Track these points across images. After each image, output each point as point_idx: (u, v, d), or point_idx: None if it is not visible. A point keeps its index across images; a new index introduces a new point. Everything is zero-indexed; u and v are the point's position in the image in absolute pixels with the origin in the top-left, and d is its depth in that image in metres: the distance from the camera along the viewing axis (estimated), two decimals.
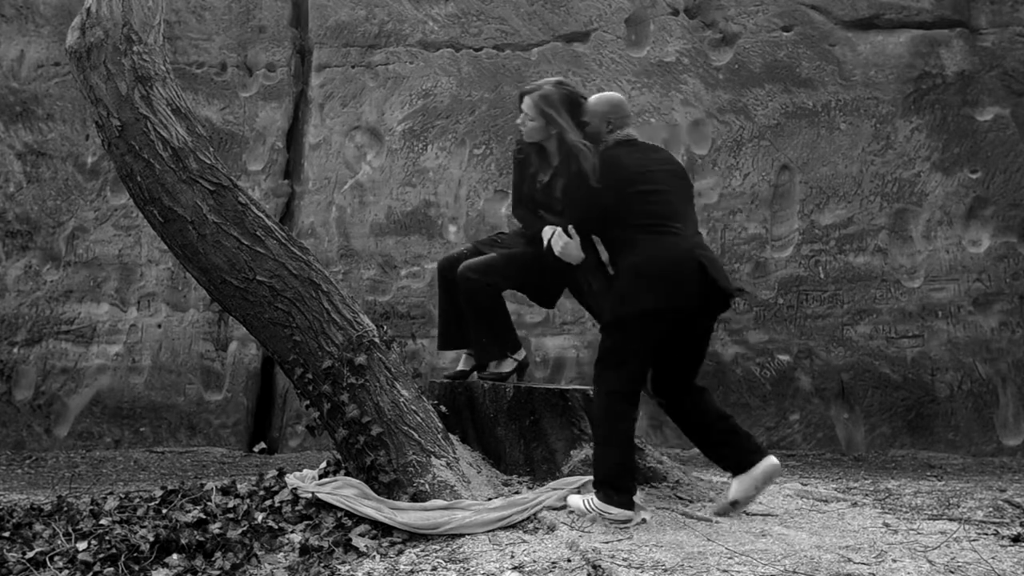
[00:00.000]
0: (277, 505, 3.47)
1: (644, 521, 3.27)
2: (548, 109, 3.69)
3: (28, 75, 6.96)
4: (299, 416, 6.50)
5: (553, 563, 2.89)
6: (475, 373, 3.97)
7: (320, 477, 3.66)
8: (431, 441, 3.50)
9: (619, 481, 3.26)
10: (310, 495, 3.46)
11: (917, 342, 6.32)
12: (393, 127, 6.94)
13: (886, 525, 3.38)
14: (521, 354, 3.93)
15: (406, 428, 3.48)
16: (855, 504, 3.78)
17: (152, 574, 3.00)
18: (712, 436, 3.41)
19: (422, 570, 2.96)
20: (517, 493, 3.47)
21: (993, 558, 2.92)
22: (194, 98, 6.80)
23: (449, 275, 3.87)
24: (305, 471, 3.83)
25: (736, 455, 3.37)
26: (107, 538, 3.21)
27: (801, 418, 6.38)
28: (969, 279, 6.32)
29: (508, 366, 3.88)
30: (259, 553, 3.15)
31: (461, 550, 3.09)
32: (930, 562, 2.88)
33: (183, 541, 3.14)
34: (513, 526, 3.25)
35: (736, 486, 3.37)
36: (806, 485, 4.23)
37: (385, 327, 3.80)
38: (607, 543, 3.04)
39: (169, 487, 3.76)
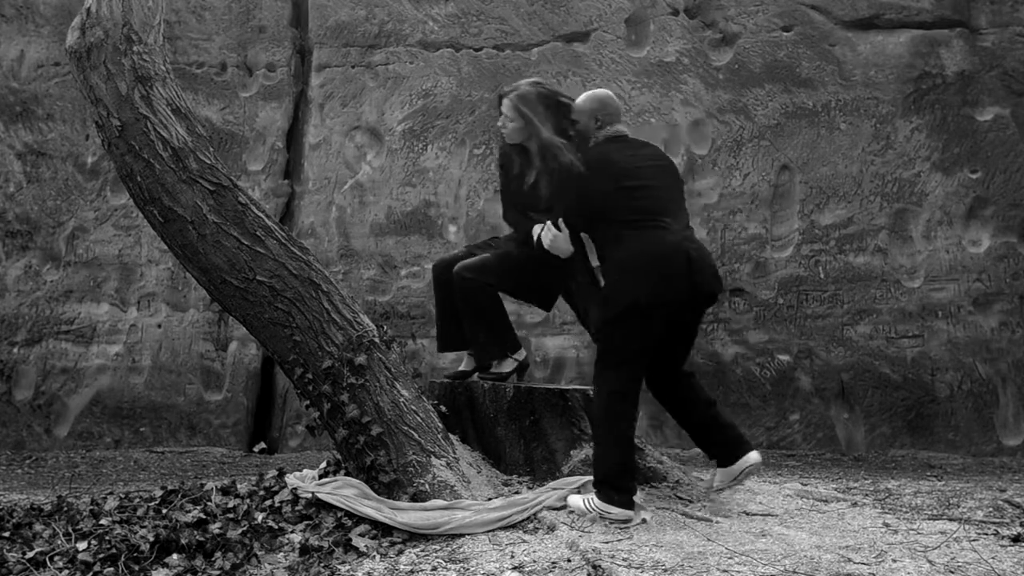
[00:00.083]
0: (277, 505, 3.47)
1: (644, 521, 3.28)
2: (525, 109, 3.74)
3: (28, 75, 6.96)
4: (299, 416, 6.50)
5: (553, 563, 2.89)
6: (476, 374, 3.97)
7: (320, 477, 3.66)
8: (431, 441, 3.50)
9: (619, 481, 3.26)
10: (310, 495, 3.46)
11: (917, 342, 6.32)
12: (393, 127, 6.94)
13: (886, 525, 3.38)
14: (521, 354, 3.93)
15: (406, 428, 3.48)
16: (855, 504, 3.78)
17: (152, 574, 3.00)
18: (698, 420, 3.55)
19: (422, 570, 2.96)
20: (517, 493, 3.47)
21: (993, 558, 2.92)
22: (194, 98, 6.80)
23: (445, 277, 3.87)
24: (305, 471, 3.83)
25: (722, 447, 3.52)
26: (107, 538, 3.21)
27: (801, 418, 6.39)
28: (969, 279, 6.32)
29: (508, 366, 3.88)
30: (259, 553, 3.15)
31: (461, 550, 3.09)
32: (930, 562, 2.88)
33: (183, 541, 3.14)
34: (513, 526, 3.25)
35: (721, 476, 3.55)
36: (806, 485, 4.23)
37: (385, 327, 3.80)
38: (607, 543, 3.04)
39: (169, 487, 3.76)
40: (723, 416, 3.57)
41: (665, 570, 2.82)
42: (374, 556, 3.10)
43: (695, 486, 3.74)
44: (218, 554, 3.11)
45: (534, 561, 2.92)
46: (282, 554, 3.18)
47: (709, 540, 3.10)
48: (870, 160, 6.52)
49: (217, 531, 3.20)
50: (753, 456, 3.48)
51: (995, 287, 6.28)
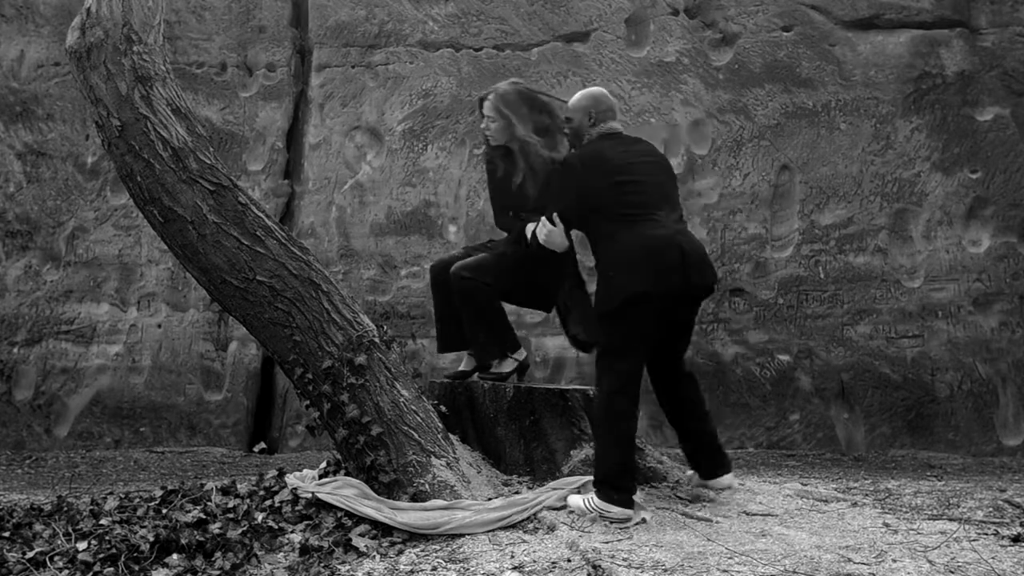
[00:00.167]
0: (277, 505, 3.47)
1: (644, 521, 3.28)
2: (504, 108, 3.79)
3: (28, 75, 6.96)
4: (299, 416, 6.50)
5: (553, 563, 2.89)
6: (476, 374, 3.97)
7: (320, 477, 3.66)
8: (431, 441, 3.50)
9: (619, 480, 3.27)
10: (310, 495, 3.46)
11: (917, 342, 6.32)
12: (393, 127, 6.94)
13: (886, 525, 3.38)
14: (521, 354, 3.93)
15: (406, 428, 3.48)
16: (855, 504, 3.78)
17: (152, 574, 3.00)
18: (691, 430, 3.63)
19: (422, 570, 2.96)
20: (517, 493, 3.47)
21: (993, 558, 2.92)
22: (194, 98, 6.80)
23: (443, 279, 3.87)
24: (305, 471, 3.83)
25: (706, 461, 3.64)
26: (107, 538, 3.21)
27: (801, 418, 6.38)
28: (969, 279, 6.32)
29: (508, 366, 3.89)
30: (259, 553, 3.15)
31: (461, 550, 3.09)
32: (930, 562, 2.88)
33: (183, 541, 3.14)
34: (513, 526, 3.25)
35: (695, 483, 3.67)
36: (806, 485, 4.23)
37: (385, 327, 3.80)
38: (607, 543, 3.04)
39: (169, 487, 3.76)
40: (714, 433, 3.67)
41: (665, 570, 2.82)
42: (374, 556, 3.10)
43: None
44: (218, 554, 3.11)
45: (534, 561, 2.92)
46: (282, 554, 3.18)
47: (709, 540, 3.10)
48: (870, 160, 6.52)
49: (217, 531, 3.20)
50: (727, 479, 3.64)
51: (995, 287, 6.28)
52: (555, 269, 3.84)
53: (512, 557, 2.98)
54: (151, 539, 3.14)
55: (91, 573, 3.03)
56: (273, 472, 3.80)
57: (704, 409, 3.65)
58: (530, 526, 3.26)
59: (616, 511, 3.24)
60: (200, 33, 7.04)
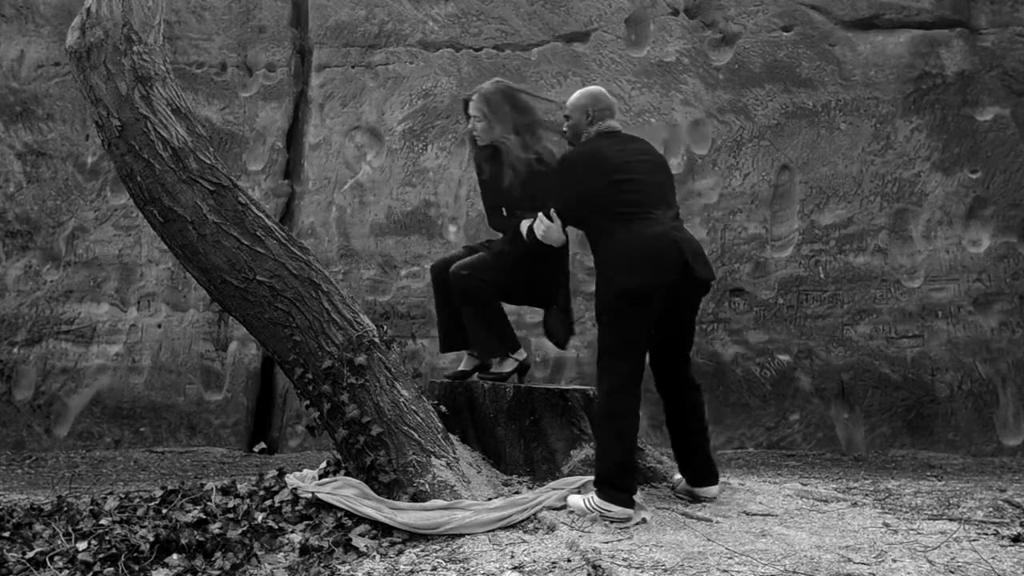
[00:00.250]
0: (277, 505, 3.47)
1: (644, 521, 3.28)
2: (485, 108, 3.84)
3: (28, 75, 6.96)
4: (299, 416, 6.50)
5: (553, 563, 2.89)
6: (476, 374, 3.97)
7: (320, 477, 3.66)
8: (431, 441, 3.50)
9: (620, 480, 3.27)
10: (310, 495, 3.45)
11: (917, 342, 6.32)
12: (393, 127, 6.94)
13: (886, 525, 3.38)
14: (522, 354, 3.93)
15: (406, 428, 3.48)
16: (855, 504, 3.78)
17: (152, 574, 3.00)
18: (688, 438, 3.63)
19: (422, 570, 2.96)
20: (517, 493, 3.47)
21: (993, 558, 2.92)
22: (194, 98, 6.80)
23: (443, 278, 3.89)
24: (305, 471, 3.83)
25: (696, 471, 3.65)
26: (107, 538, 3.21)
27: (801, 418, 6.38)
28: (969, 279, 6.32)
29: (509, 366, 3.89)
30: (259, 553, 3.15)
31: (461, 550, 3.09)
32: (930, 562, 2.88)
33: (183, 541, 3.14)
34: (513, 526, 3.25)
35: (683, 488, 3.69)
36: (806, 485, 4.23)
37: (385, 327, 3.80)
38: (607, 543, 3.04)
39: (169, 487, 3.76)
40: (708, 446, 3.69)
41: (665, 570, 2.82)
42: (374, 556, 3.10)
43: None
44: (218, 554, 3.11)
45: (534, 561, 2.92)
46: (282, 554, 3.17)
47: (709, 540, 3.10)
48: (870, 160, 6.52)
49: (217, 531, 3.20)
50: (713, 491, 3.66)
51: (995, 287, 6.28)
52: (553, 265, 3.87)
53: (512, 557, 2.98)
54: (151, 539, 3.14)
55: (91, 573, 3.03)
56: (273, 472, 3.80)
57: (703, 420, 3.65)
58: (530, 526, 3.25)
59: (617, 510, 3.24)
60: (200, 33, 7.04)
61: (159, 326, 6.77)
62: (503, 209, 3.91)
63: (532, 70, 6.82)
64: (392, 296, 6.78)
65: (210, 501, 3.53)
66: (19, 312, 6.76)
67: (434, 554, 3.08)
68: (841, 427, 6.36)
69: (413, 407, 3.54)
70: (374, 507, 3.30)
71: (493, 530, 3.22)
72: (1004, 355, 6.19)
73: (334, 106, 6.99)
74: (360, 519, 3.30)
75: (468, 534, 3.20)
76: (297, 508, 3.44)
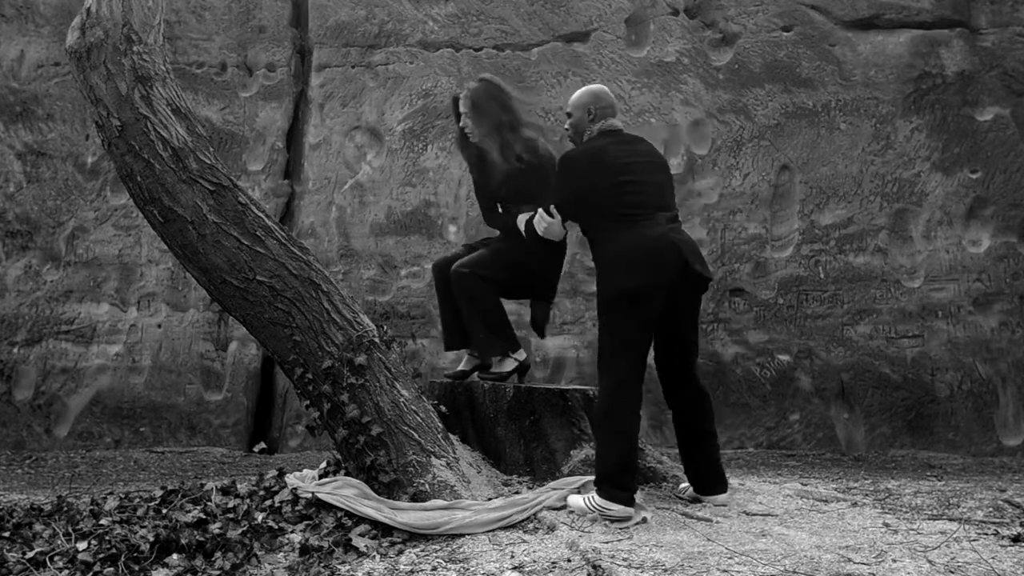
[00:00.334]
0: (277, 505, 3.47)
1: (644, 520, 3.28)
2: (468, 108, 3.87)
3: (28, 75, 6.96)
4: (299, 416, 6.50)
5: (553, 563, 2.89)
6: (476, 373, 3.98)
7: (320, 477, 3.66)
8: (431, 441, 3.50)
9: (620, 479, 3.27)
10: (310, 495, 3.45)
11: (917, 342, 6.32)
12: (393, 127, 6.94)
13: (886, 525, 3.38)
14: (522, 354, 3.94)
15: (406, 428, 3.48)
16: (855, 504, 3.78)
17: (152, 574, 3.00)
18: (696, 444, 3.57)
19: (422, 570, 2.96)
20: (517, 493, 3.47)
21: (993, 558, 2.92)
22: (194, 98, 6.80)
23: (444, 276, 3.90)
24: (305, 471, 3.83)
25: (704, 478, 3.59)
26: (107, 538, 3.21)
27: (801, 418, 6.38)
28: (969, 279, 6.32)
29: (508, 366, 3.89)
30: (259, 553, 3.15)
31: (461, 550, 3.09)
32: (930, 562, 2.88)
33: (183, 541, 3.14)
34: (513, 526, 3.25)
35: (689, 495, 3.63)
36: (806, 485, 4.23)
37: (385, 327, 3.80)
38: (607, 543, 3.04)
39: (169, 487, 3.76)
40: (718, 453, 3.63)
41: (665, 570, 2.82)
42: (374, 556, 3.10)
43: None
44: (218, 554, 3.11)
45: (534, 561, 2.92)
46: (282, 554, 3.17)
47: (709, 540, 3.10)
48: (870, 160, 6.52)
49: (217, 531, 3.20)
50: (721, 499, 3.59)
51: (995, 287, 6.28)
52: (553, 259, 3.89)
53: (512, 557, 2.98)
54: (151, 539, 3.14)
55: (91, 573, 3.03)
56: (273, 472, 3.80)
57: (710, 431, 3.58)
58: (530, 526, 3.25)
59: (617, 510, 3.24)
60: (200, 33, 7.04)
61: (159, 326, 6.77)
62: (498, 205, 3.93)
63: (532, 70, 6.82)
64: (392, 296, 6.78)
65: (210, 501, 3.53)
66: (19, 312, 6.76)
67: (434, 554, 3.08)
68: (841, 427, 6.36)
69: (413, 407, 3.54)
70: (374, 507, 3.30)
71: (493, 530, 3.22)
72: (1004, 355, 6.19)
73: (334, 106, 7.00)
74: (360, 519, 3.30)
75: (468, 534, 3.20)
76: (297, 508, 3.44)
